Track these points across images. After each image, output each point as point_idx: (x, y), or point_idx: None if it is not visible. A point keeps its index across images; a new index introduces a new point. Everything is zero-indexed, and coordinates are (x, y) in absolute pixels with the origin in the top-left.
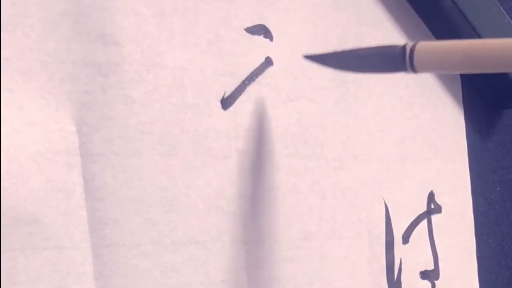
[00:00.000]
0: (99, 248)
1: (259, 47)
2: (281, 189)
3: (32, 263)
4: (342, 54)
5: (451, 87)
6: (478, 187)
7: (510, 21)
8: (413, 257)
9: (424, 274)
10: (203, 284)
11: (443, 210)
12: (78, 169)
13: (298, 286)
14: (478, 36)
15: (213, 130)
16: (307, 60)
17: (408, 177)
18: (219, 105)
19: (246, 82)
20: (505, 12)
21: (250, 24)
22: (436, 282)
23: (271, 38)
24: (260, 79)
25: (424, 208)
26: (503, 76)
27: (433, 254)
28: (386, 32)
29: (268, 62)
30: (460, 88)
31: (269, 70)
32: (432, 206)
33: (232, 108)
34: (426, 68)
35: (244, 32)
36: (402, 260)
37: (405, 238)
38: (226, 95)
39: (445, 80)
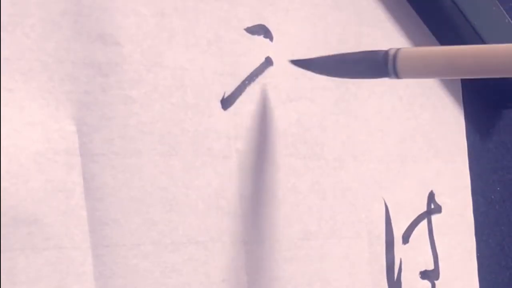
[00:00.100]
0: (99, 248)
1: (259, 47)
2: (281, 189)
3: (32, 263)
4: (326, 59)
5: (451, 87)
6: (478, 187)
7: (510, 21)
8: (413, 257)
9: (424, 274)
10: (203, 284)
11: (443, 210)
12: (78, 169)
13: (298, 286)
14: (478, 36)
15: (213, 130)
16: (293, 65)
17: (408, 177)
18: (219, 105)
19: (246, 82)
20: (505, 12)
21: (250, 24)
22: (436, 282)
23: (271, 38)
24: (260, 79)
25: (424, 208)
26: None
27: (433, 254)
28: (386, 32)
29: (268, 62)
30: (460, 88)
31: (269, 70)
32: (432, 206)
33: (232, 108)
34: (409, 74)
35: (244, 32)
36: (402, 260)
37: (405, 238)
38: (226, 95)
39: (445, 80)
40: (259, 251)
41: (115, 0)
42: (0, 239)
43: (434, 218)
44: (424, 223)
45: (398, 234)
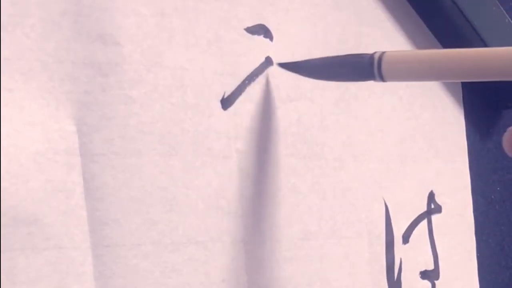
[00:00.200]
0: (99, 248)
1: (259, 47)
2: (281, 189)
3: (32, 263)
4: (313, 62)
5: (451, 87)
6: (478, 187)
7: (510, 21)
8: (413, 257)
9: (424, 274)
10: (203, 284)
11: (443, 210)
12: (78, 169)
13: (298, 286)
14: (478, 36)
15: (213, 130)
16: (281, 68)
17: (408, 177)
18: (219, 105)
19: (246, 82)
20: (505, 12)
21: (250, 24)
22: (436, 282)
23: (271, 38)
24: (260, 79)
25: (424, 208)
26: None
27: (433, 254)
28: (386, 32)
29: (268, 62)
30: (460, 88)
31: (269, 70)
32: (432, 206)
33: (232, 108)
34: (394, 77)
35: (244, 32)
36: (402, 260)
37: (405, 238)
38: (226, 95)
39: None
40: (259, 251)
41: (115, 0)
42: (0, 239)
43: (434, 218)
44: (424, 223)
45: (398, 234)
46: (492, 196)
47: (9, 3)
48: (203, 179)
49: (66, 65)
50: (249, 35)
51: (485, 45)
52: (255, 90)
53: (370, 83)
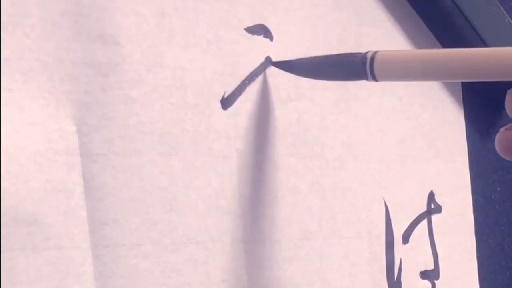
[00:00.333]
0: (99, 248)
1: (259, 47)
2: (281, 189)
3: (32, 263)
4: (306, 61)
5: (451, 87)
6: (478, 187)
7: (510, 21)
8: (413, 257)
9: (424, 274)
10: (203, 284)
11: (443, 210)
12: (78, 169)
13: (298, 286)
14: (478, 36)
15: (213, 130)
16: (275, 67)
17: (408, 177)
18: (219, 105)
19: (246, 82)
20: (505, 12)
21: (250, 24)
22: (436, 282)
23: (271, 38)
24: (260, 79)
25: (424, 208)
26: None
27: (433, 254)
28: (386, 32)
29: (268, 62)
30: (460, 88)
31: (269, 70)
32: (432, 206)
33: (232, 108)
34: (386, 76)
35: (244, 32)
36: (402, 260)
37: (405, 238)
38: (226, 95)
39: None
40: (259, 251)
41: (115, 0)
42: (0, 239)
43: (434, 218)
44: (424, 223)
45: (398, 234)
46: (492, 196)
47: (9, 3)
48: (203, 179)
49: (66, 65)
50: (249, 35)
51: (485, 45)
52: (255, 90)
53: (370, 83)
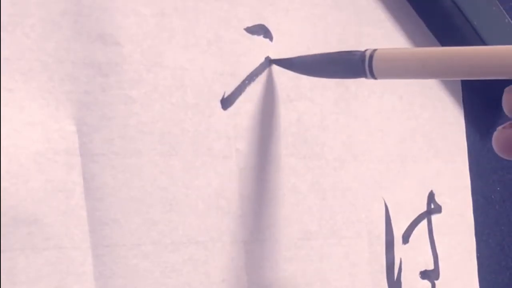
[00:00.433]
0: (99, 248)
1: (259, 47)
2: (281, 189)
3: (32, 263)
4: (306, 59)
5: (451, 87)
6: (478, 187)
7: (510, 21)
8: (413, 257)
9: (424, 274)
10: (203, 284)
11: (443, 210)
12: (78, 169)
13: (298, 286)
14: (478, 36)
15: (213, 130)
16: (275, 65)
17: (408, 177)
18: (219, 105)
19: (246, 82)
20: (505, 12)
21: (250, 24)
22: (436, 282)
23: (270, 38)
24: (260, 79)
25: (424, 208)
26: None
27: (433, 254)
28: (386, 32)
29: (268, 62)
30: (460, 88)
31: (269, 70)
32: (432, 206)
33: (232, 108)
34: (385, 74)
35: (244, 32)
36: (402, 260)
37: (405, 238)
38: (226, 95)
39: (445, 80)
40: (259, 251)
41: (115, 0)
42: (0, 239)
43: (434, 218)
44: (424, 223)
45: (398, 234)
46: (492, 196)
47: (9, 3)
48: (203, 179)
49: (66, 65)
50: (249, 35)
51: (485, 45)
52: (255, 90)
53: (370, 83)
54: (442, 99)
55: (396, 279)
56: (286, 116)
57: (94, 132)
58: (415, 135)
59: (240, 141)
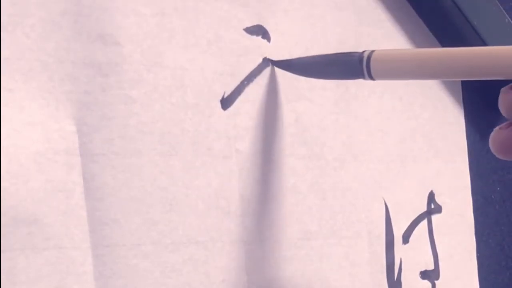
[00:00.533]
0: (99, 248)
1: (259, 47)
2: (281, 189)
3: (32, 263)
4: (304, 60)
5: (451, 87)
6: (478, 187)
7: (510, 21)
8: (413, 257)
9: (424, 274)
10: (203, 284)
11: (443, 210)
12: (78, 169)
13: (298, 286)
14: (478, 36)
15: (213, 130)
16: (274, 66)
17: (408, 177)
18: (219, 105)
19: (245, 82)
20: (505, 12)
21: (250, 24)
22: (436, 282)
23: (268, 39)
24: (259, 79)
25: (424, 208)
26: None
27: (433, 254)
28: (386, 32)
29: (266, 62)
30: (460, 88)
31: (268, 70)
32: (432, 206)
33: (232, 108)
34: (383, 75)
35: (244, 32)
36: (402, 260)
37: (405, 238)
38: (225, 95)
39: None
40: (259, 251)
41: (115, 0)
42: (0, 239)
43: (434, 218)
44: (424, 223)
45: (398, 234)
46: (492, 196)
47: (9, 3)
48: (203, 179)
49: (66, 65)
50: (248, 35)
51: (484, 45)
52: (254, 90)
53: (370, 83)
54: (442, 99)
55: (396, 279)
56: (286, 116)
57: (94, 132)
58: (415, 135)
59: (240, 141)
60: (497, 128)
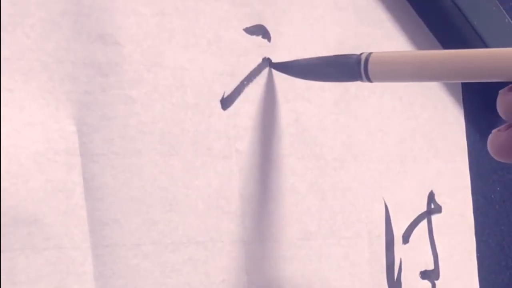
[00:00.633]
0: (99, 248)
1: (259, 47)
2: (281, 189)
3: (32, 263)
4: (302, 62)
5: (451, 87)
6: (478, 187)
7: (510, 21)
8: (413, 257)
9: (424, 274)
10: (203, 284)
11: (443, 210)
12: (78, 169)
13: (298, 286)
14: (478, 36)
15: (213, 130)
16: (273, 69)
17: (408, 177)
18: (219, 105)
19: (245, 82)
20: (505, 12)
21: (249, 24)
22: (436, 282)
23: (269, 39)
24: (259, 79)
25: (424, 208)
26: None
27: (433, 254)
28: (386, 32)
29: (266, 62)
30: (460, 88)
31: (268, 71)
32: (432, 206)
33: (232, 108)
34: (380, 77)
35: (244, 32)
36: (402, 260)
37: (405, 238)
38: (225, 95)
39: None
40: (259, 251)
41: (115, 0)
42: (0, 239)
43: (434, 218)
44: (424, 223)
45: (398, 234)
46: (492, 196)
47: (9, 3)
48: (203, 179)
49: (66, 65)
50: (248, 35)
51: (485, 45)
52: (254, 90)
53: (370, 83)
54: (442, 99)
55: (396, 279)
56: (286, 116)
57: (94, 132)
58: (415, 135)
59: (240, 141)
60: (495, 130)
